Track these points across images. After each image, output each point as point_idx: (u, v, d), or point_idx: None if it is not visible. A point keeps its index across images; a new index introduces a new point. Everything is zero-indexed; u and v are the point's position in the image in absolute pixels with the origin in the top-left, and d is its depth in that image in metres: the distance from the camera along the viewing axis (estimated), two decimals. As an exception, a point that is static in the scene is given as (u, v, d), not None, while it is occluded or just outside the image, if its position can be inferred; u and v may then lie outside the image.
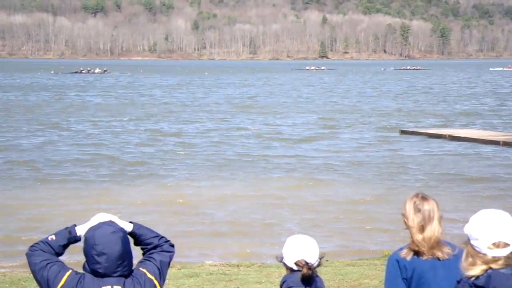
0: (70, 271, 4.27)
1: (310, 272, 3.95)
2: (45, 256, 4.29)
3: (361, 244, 14.47)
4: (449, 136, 31.90)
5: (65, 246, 4.39)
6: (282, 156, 26.74)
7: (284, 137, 33.14)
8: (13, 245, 14.00)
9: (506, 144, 29.24)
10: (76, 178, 21.61)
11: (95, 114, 45.32)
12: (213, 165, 24.29)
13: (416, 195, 4.64)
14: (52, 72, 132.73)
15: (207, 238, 14.88)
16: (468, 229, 3.64)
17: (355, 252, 13.77)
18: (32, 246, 4.38)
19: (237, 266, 11.81)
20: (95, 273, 4.22)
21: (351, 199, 18.61)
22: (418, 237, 4.54)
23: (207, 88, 79.08)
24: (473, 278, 3.54)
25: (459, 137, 31.49)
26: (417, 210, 4.54)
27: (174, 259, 4.60)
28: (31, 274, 4.35)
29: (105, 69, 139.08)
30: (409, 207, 4.57)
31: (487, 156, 26.42)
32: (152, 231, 4.55)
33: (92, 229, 4.29)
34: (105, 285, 4.21)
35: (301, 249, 4.03)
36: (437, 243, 4.56)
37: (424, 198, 4.61)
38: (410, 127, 36.73)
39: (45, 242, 4.34)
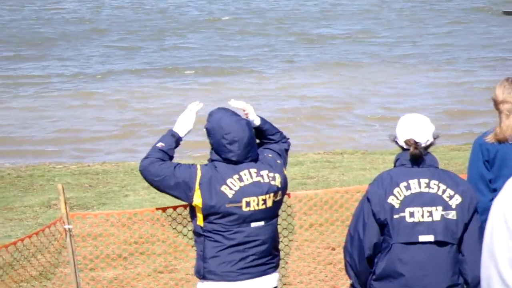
0: (198, 165, 4.40)
1: (417, 151, 3.98)
2: (167, 164, 4.39)
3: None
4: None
5: (174, 149, 4.54)
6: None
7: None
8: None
9: None
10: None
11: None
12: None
13: (507, 79, 4.60)
14: None
15: (309, 128, 14.99)
16: None
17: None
18: (144, 159, 4.45)
19: (341, 153, 11.84)
20: (228, 161, 4.34)
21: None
22: (506, 122, 4.52)
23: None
24: None
25: None
26: (508, 93, 4.51)
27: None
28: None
29: None
30: (499, 91, 4.55)
31: None
32: (274, 127, 4.66)
33: (214, 120, 4.37)
34: (242, 170, 4.34)
35: (411, 127, 4.05)
36: None
37: None
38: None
39: (159, 150, 4.43)
